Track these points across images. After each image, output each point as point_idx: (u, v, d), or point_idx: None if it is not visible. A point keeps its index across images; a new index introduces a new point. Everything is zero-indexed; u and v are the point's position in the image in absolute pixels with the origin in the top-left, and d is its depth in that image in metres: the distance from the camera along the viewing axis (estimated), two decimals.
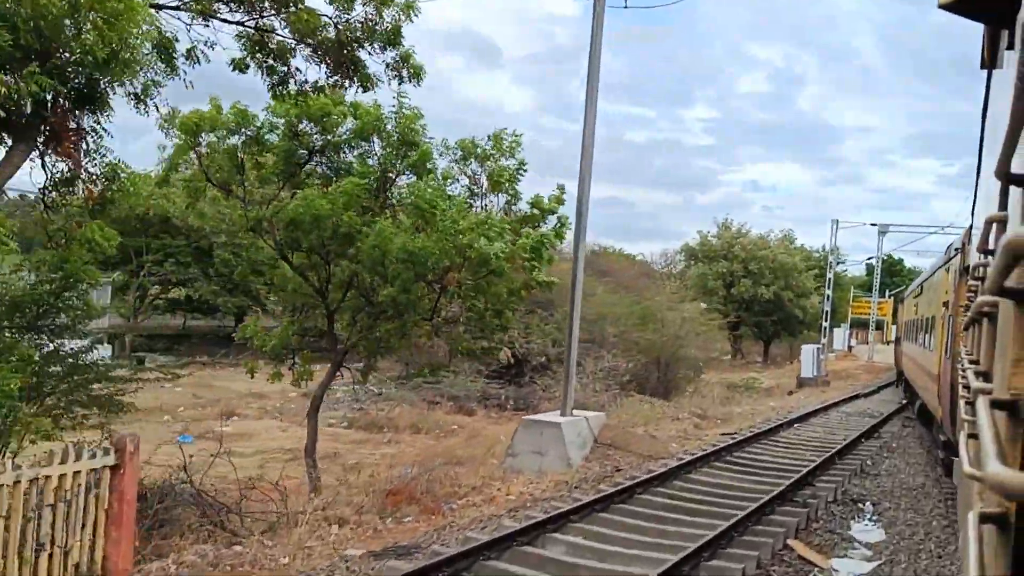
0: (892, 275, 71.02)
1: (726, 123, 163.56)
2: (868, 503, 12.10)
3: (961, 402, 3.02)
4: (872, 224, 40.98)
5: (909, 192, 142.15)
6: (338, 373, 13.82)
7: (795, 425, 18.85)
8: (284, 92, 9.75)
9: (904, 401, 24.64)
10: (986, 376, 2.14)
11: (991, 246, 2.23)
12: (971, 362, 2.91)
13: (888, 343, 46.79)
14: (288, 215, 12.09)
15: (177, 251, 34.03)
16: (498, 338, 13.23)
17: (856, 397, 27.15)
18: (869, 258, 44.82)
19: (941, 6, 2.66)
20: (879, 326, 52.69)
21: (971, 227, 10.37)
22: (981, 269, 2.78)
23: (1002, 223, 1.92)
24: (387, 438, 21.67)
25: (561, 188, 13.92)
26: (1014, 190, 1.65)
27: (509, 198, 13.45)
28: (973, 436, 1.71)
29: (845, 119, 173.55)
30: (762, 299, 52.68)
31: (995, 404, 1.45)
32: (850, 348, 56.66)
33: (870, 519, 11.27)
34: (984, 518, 1.40)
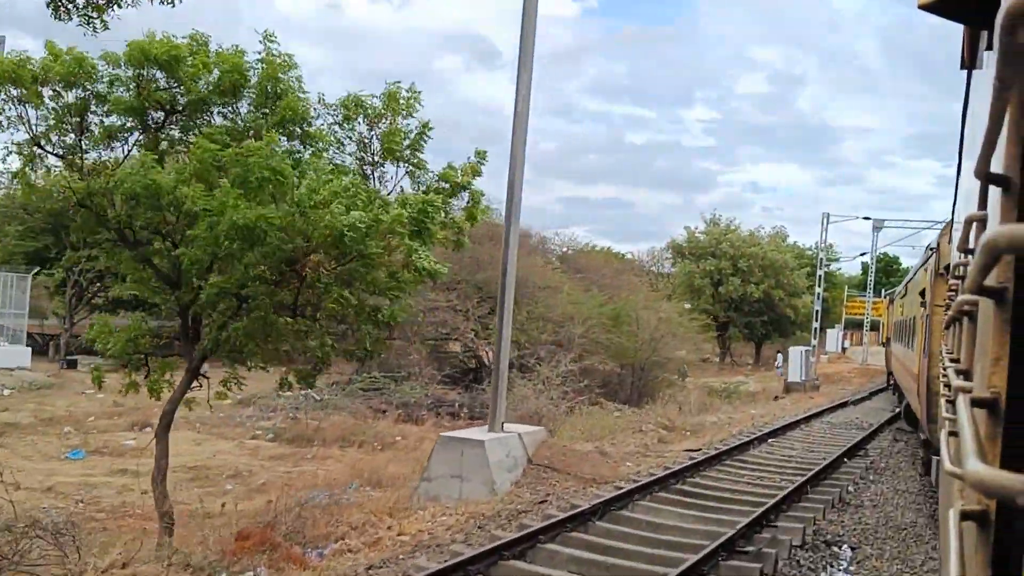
0: (888, 274, 68.65)
1: (726, 124, 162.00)
2: (845, 547, 9.67)
3: (942, 400, 3.05)
4: (865, 218, 38.47)
5: (909, 193, 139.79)
6: (196, 383, 11.34)
7: (769, 440, 16.40)
8: (69, 7, 7.34)
9: (897, 409, 22.28)
10: (966, 374, 2.18)
11: (971, 245, 2.25)
12: (952, 360, 2.94)
13: (883, 345, 44.45)
14: (125, 188, 9.65)
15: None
16: (379, 336, 10.70)
17: (844, 405, 24.70)
18: (862, 254, 42.32)
19: (921, 7, 2.65)
20: (874, 327, 50.22)
21: (945, 226, 10.84)
22: (961, 268, 2.82)
23: (982, 222, 1.95)
24: (313, 452, 19.22)
25: (480, 155, 11.42)
26: (993, 190, 1.63)
27: (411, 169, 10.98)
28: (954, 434, 1.79)
29: (845, 120, 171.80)
30: (751, 298, 50.29)
31: (975, 402, 1.49)
32: (844, 350, 54.22)
33: (846, 572, 8.84)
34: (964, 515, 1.44)
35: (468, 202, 11.14)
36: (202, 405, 24.82)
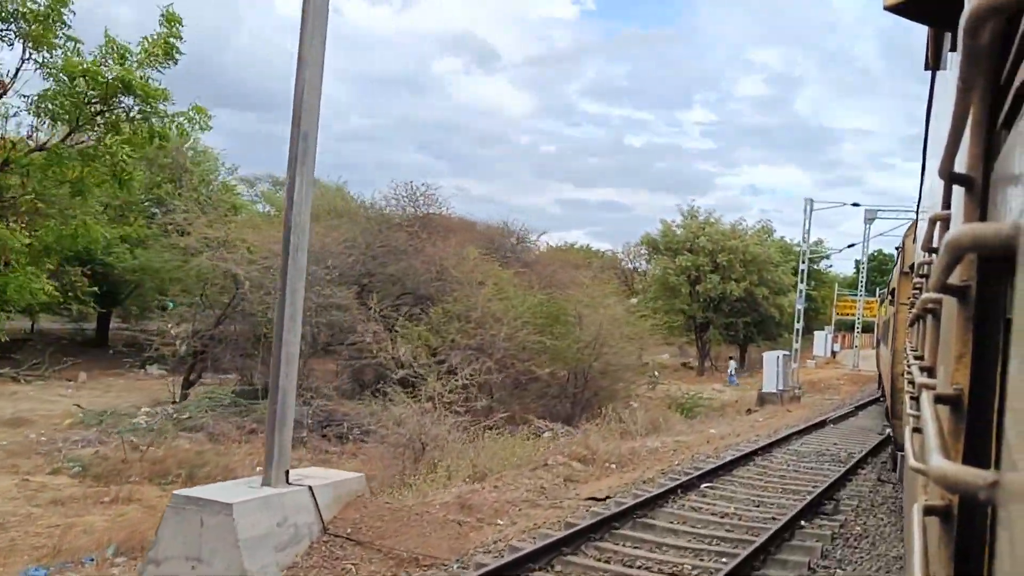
0: (884, 272, 64.16)
1: (725, 126, 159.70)
2: None
3: (906, 396, 3.06)
4: (855, 204, 33.72)
5: (908, 194, 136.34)
6: None
7: (703, 487, 11.81)
8: None
9: (887, 430, 17.79)
10: (930, 371, 2.21)
11: (935, 244, 2.26)
12: (916, 357, 3.01)
13: (876, 347, 39.88)
14: None
15: None
16: None
17: (823, 424, 20.10)
18: (850, 245, 37.66)
19: (887, 8, 2.64)
20: (867, 329, 45.65)
21: (910, 226, 11.57)
22: (925, 267, 2.87)
23: (945, 222, 1.96)
24: (113, 494, 14.60)
25: (171, 20, 6.86)
26: (957, 189, 1.68)
27: (43, 54, 6.41)
28: (918, 430, 1.82)
29: (844, 122, 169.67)
30: (732, 297, 45.72)
31: (939, 399, 1.49)
32: (834, 354, 49.59)
33: None
34: (928, 511, 1.43)
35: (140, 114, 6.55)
36: (32, 425, 19.92)
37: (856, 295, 48.54)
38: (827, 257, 60.16)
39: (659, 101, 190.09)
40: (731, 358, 44.65)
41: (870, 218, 41.05)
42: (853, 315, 47.62)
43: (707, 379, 45.71)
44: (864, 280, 43.64)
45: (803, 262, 32.31)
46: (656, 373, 40.19)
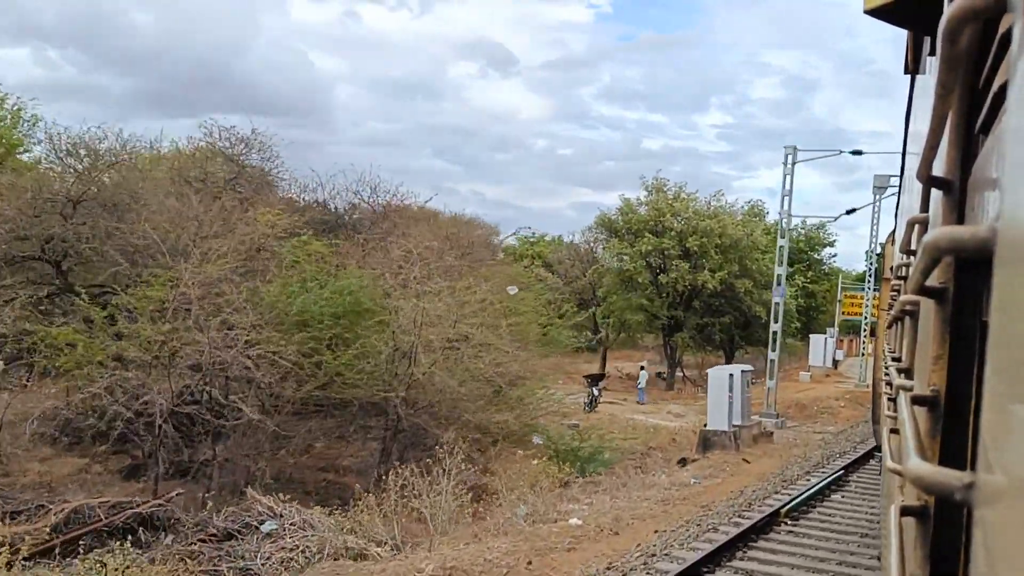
0: None
1: (741, 129, 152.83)
2: None
3: (884, 399, 3.13)
4: (854, 152, 23.91)
5: None
6: None
7: None
8: None
9: None
10: (908, 373, 2.19)
11: (913, 247, 2.27)
12: (893, 359, 3.00)
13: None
14: None
15: None
16: None
17: (775, 518, 10.44)
18: (849, 211, 27.87)
19: (867, 11, 2.67)
20: (875, 331, 35.90)
21: (890, 234, 11.84)
22: (903, 269, 2.87)
23: (924, 224, 1.97)
24: None
25: None
26: (935, 192, 1.68)
27: None
28: (895, 431, 1.85)
29: (860, 125, 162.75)
30: (706, 291, 36.09)
31: (916, 400, 1.49)
32: (835, 363, 39.64)
33: None
34: (905, 511, 1.44)
35: None
36: None
37: (866, 290, 38.74)
38: (831, 244, 50.49)
39: (675, 104, 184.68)
40: (641, 366, 34.39)
41: (880, 186, 31.42)
42: (861, 315, 37.87)
43: (676, 394, 36.16)
44: (873, 268, 33.77)
45: (782, 236, 22.66)
46: (597, 391, 30.69)
